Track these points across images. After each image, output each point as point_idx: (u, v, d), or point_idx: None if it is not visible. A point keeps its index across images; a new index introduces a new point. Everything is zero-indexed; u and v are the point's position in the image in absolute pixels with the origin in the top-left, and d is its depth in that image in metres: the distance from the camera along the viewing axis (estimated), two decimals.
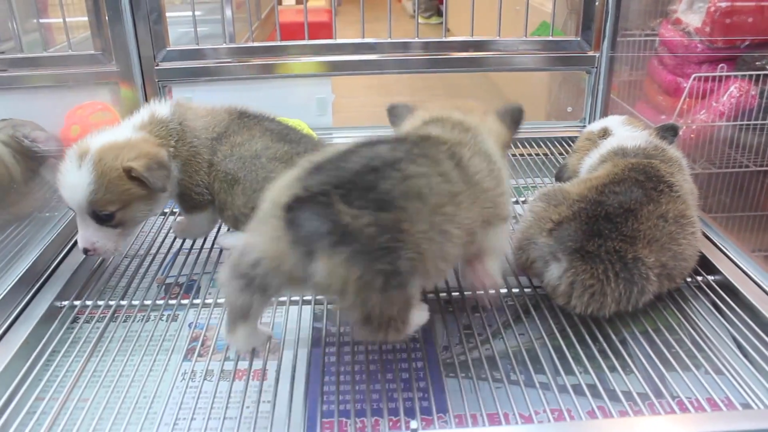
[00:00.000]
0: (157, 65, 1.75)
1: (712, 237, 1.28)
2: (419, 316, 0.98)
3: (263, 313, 0.95)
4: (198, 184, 1.23)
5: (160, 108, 1.23)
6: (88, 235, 1.13)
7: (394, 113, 1.14)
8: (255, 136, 1.24)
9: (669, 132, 1.32)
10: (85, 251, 1.14)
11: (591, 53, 1.83)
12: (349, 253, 0.76)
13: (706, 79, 1.75)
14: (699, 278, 1.19)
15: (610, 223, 1.05)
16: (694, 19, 1.80)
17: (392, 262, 0.78)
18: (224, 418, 0.91)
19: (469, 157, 0.93)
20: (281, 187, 0.83)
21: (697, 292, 1.16)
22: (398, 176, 0.82)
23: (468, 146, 0.95)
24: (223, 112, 1.29)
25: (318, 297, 1.14)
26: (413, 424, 0.77)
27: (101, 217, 1.11)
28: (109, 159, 1.09)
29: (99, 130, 1.18)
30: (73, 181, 1.09)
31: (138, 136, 1.16)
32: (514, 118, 1.11)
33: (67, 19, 1.70)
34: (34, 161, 1.49)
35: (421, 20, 7.82)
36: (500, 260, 1.07)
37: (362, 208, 0.77)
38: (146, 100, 1.77)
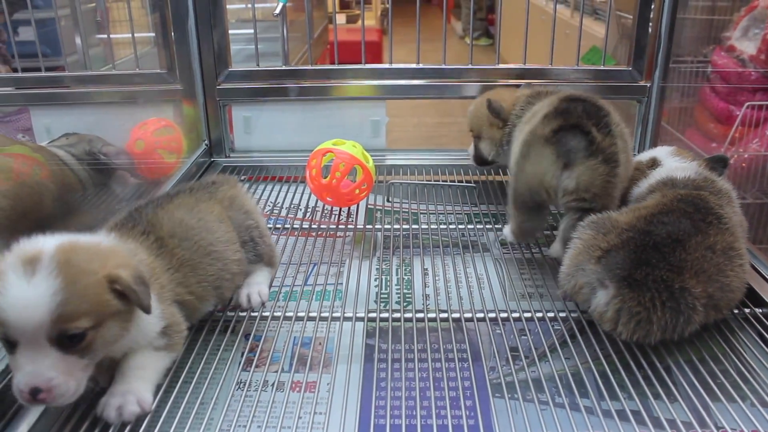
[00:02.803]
0: (219, 85, 1.83)
1: (760, 269, 1.29)
2: None
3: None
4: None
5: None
6: (42, 369, 0.82)
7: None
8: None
9: (719, 164, 1.33)
10: (34, 393, 0.81)
11: (642, 83, 1.85)
12: (599, 161, 1.22)
13: (760, 107, 1.75)
14: (746, 310, 1.19)
15: (658, 253, 1.07)
16: (749, 47, 1.80)
17: (614, 168, 1.24)
18: (280, 427, 0.95)
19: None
20: (535, 127, 1.27)
21: (743, 323, 1.17)
22: (611, 119, 1.26)
23: None
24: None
25: (371, 312, 1.19)
26: None
27: (68, 339, 0.83)
28: (81, 261, 0.85)
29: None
30: (28, 292, 0.80)
31: (104, 244, 0.93)
32: None
33: (122, 37, 1.79)
34: (103, 175, 1.57)
35: (469, 41, 7.88)
36: None
37: (604, 134, 1.23)
38: (207, 118, 1.85)
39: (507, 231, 1.42)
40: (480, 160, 1.70)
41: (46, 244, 0.86)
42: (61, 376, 0.82)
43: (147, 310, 0.89)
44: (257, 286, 1.24)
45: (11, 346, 0.83)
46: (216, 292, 1.14)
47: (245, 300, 1.22)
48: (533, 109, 1.44)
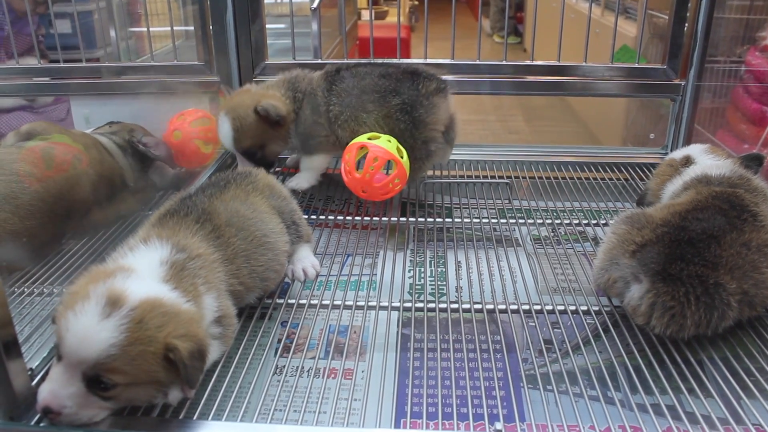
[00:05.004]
0: (255, 77, 1.85)
1: None
2: None
3: None
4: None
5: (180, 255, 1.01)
6: (61, 393, 0.85)
7: None
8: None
9: (754, 162, 1.34)
10: (45, 411, 0.85)
11: (677, 82, 1.84)
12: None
13: None
14: None
15: (693, 248, 1.08)
16: None
17: None
18: (318, 413, 0.97)
19: None
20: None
21: None
22: None
23: None
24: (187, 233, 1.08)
25: (405, 302, 1.21)
26: (498, 425, 0.82)
27: (99, 382, 0.86)
28: (153, 326, 0.87)
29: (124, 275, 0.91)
30: (92, 329, 0.84)
31: (185, 306, 0.93)
32: None
33: (155, 30, 1.82)
34: (142, 163, 1.61)
35: (497, 39, 7.90)
36: None
37: None
38: None
39: None
40: (269, 165, 1.64)
41: (136, 291, 0.89)
42: (75, 407, 0.86)
43: (192, 386, 0.92)
44: (308, 260, 1.31)
45: (58, 356, 0.88)
46: (262, 284, 1.17)
47: (302, 273, 1.28)
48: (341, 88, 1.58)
